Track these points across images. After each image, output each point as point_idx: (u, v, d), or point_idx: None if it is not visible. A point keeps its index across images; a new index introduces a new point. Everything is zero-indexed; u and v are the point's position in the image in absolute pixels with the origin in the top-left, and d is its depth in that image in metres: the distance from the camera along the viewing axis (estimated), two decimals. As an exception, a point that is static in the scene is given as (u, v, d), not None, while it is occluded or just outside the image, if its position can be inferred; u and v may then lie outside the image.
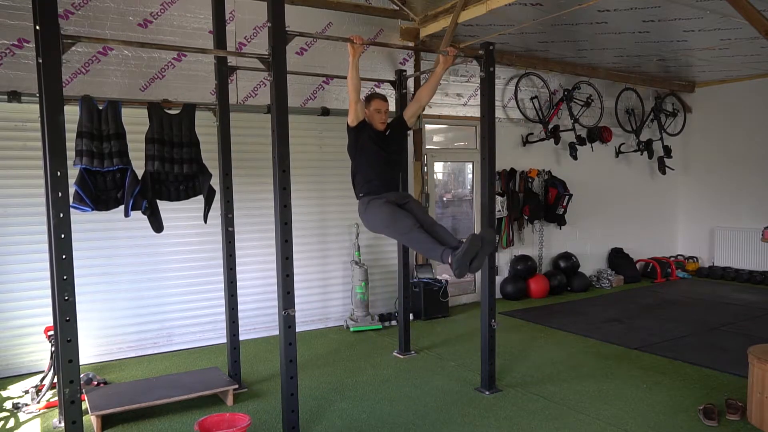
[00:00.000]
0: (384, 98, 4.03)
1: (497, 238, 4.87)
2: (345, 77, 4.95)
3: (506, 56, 6.90)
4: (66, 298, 2.72)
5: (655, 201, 8.87)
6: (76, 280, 2.78)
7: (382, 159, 3.96)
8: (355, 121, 3.91)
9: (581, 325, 5.83)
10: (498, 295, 6.96)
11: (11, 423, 3.65)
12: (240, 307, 4.31)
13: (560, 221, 7.56)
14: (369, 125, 3.97)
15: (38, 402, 3.86)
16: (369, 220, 3.93)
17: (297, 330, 3.39)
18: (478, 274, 6.95)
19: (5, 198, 4.49)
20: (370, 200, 3.89)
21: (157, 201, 3.85)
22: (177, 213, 4.75)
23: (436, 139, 7.05)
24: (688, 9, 5.14)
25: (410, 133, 4.71)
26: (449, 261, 3.42)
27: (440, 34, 5.90)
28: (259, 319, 5.51)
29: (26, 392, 4.08)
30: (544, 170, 7.55)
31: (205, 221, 4.12)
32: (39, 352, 4.58)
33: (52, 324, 3.86)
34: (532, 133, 7.40)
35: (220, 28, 4.10)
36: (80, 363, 2.84)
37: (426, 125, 6.58)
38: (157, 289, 5.08)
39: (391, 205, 3.80)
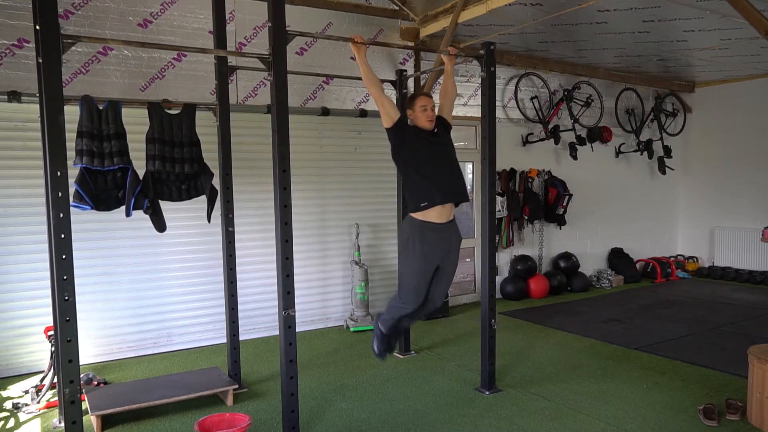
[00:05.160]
0: (428, 94, 3.72)
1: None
2: (345, 77, 5.03)
3: (506, 56, 6.90)
4: (66, 298, 2.71)
5: (655, 201, 8.87)
6: (76, 280, 2.78)
7: (439, 158, 3.59)
8: (390, 121, 3.56)
9: (581, 325, 5.83)
10: (498, 295, 6.95)
11: (11, 423, 3.65)
12: (240, 307, 4.31)
13: (560, 221, 7.56)
14: (412, 126, 3.63)
15: (38, 402, 3.86)
16: (407, 250, 3.59)
17: (297, 330, 3.38)
18: (478, 274, 6.96)
19: (5, 198, 4.49)
20: (422, 229, 3.50)
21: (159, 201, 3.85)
22: (177, 213, 4.75)
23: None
24: (688, 9, 5.14)
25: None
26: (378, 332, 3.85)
27: (440, 34, 5.90)
28: (259, 319, 5.51)
29: (26, 392, 4.08)
30: (544, 170, 7.55)
31: (209, 220, 4.12)
32: (39, 352, 4.58)
33: (52, 324, 3.86)
34: (532, 133, 7.40)
35: (220, 28, 4.10)
36: (80, 363, 2.84)
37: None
38: (157, 289, 5.08)
39: (430, 265, 3.54)
